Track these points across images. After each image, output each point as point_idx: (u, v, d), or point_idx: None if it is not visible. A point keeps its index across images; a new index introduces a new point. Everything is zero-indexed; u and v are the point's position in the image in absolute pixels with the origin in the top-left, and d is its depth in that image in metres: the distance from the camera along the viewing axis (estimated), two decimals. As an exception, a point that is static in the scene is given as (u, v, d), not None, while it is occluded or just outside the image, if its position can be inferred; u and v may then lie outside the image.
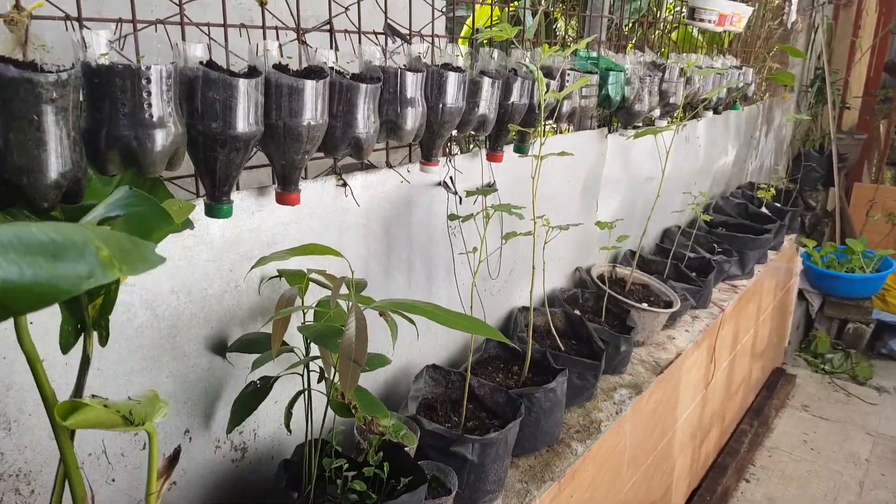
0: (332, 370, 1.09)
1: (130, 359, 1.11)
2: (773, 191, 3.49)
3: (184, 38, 1.06)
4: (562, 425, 1.77)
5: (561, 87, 1.74)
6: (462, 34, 2.56)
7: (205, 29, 1.09)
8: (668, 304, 2.33)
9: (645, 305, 2.25)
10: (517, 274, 2.01)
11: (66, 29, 0.94)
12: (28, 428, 1.01)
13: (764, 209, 3.60)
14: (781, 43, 3.85)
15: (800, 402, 3.80)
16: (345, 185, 1.37)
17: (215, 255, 1.18)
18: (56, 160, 0.83)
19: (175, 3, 1.07)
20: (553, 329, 1.96)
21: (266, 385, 1.21)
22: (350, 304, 1.00)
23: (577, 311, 2.12)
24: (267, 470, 1.38)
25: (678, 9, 2.67)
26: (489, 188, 1.53)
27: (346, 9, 1.33)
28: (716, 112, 2.89)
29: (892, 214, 4.78)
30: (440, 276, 1.70)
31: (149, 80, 0.89)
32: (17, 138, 0.80)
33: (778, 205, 3.78)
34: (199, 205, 1.11)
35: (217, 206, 1.07)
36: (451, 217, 1.54)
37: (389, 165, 1.47)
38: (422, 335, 1.67)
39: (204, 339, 1.21)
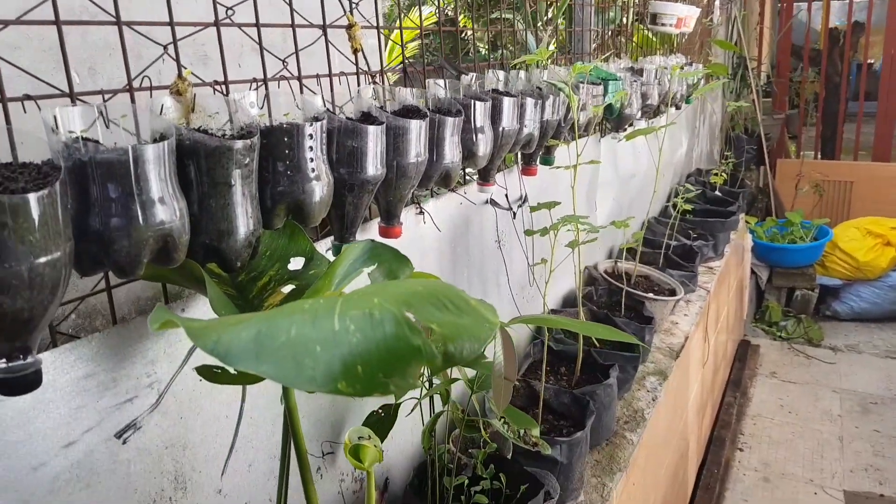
0: (471, 389, 1.15)
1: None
2: (724, 175, 3.74)
3: (301, 91, 1.11)
4: (615, 418, 1.88)
5: (581, 101, 1.86)
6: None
7: (312, 81, 1.13)
8: (672, 292, 2.48)
9: (652, 295, 2.39)
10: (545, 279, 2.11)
11: (214, 93, 0.97)
12: (199, 485, 1.02)
13: (718, 192, 3.86)
14: (705, 38, 4.13)
15: (768, 369, 4.07)
16: (422, 212, 1.43)
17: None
18: (247, 220, 0.87)
19: (280, 60, 1.11)
20: (587, 327, 2.07)
21: (390, 413, 1.26)
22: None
23: (595, 308, 2.24)
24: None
25: (639, 17, 2.85)
26: (553, 202, 1.63)
27: (403, 47, 1.40)
28: (677, 107, 3.09)
29: (818, 186, 5.18)
30: (491, 289, 1.78)
31: (311, 136, 0.94)
32: (217, 203, 0.84)
33: (727, 187, 4.05)
34: (324, 245, 1.15)
35: (362, 241, 1.12)
36: (528, 232, 1.63)
37: (453, 189, 1.54)
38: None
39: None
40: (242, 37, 1.06)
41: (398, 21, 1.53)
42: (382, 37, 1.54)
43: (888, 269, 4.48)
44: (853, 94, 6.67)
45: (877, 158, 5.38)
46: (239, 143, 0.83)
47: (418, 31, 1.55)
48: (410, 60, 1.72)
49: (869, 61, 7.39)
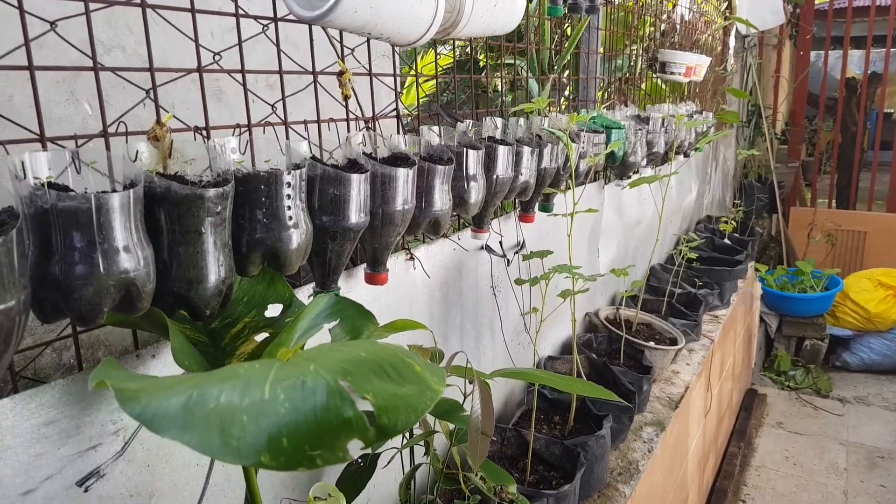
0: (449, 442, 1.13)
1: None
2: (733, 223, 3.70)
3: (287, 137, 1.11)
4: (608, 469, 1.84)
5: (581, 149, 1.85)
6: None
7: (300, 127, 1.13)
8: (674, 341, 2.44)
9: (652, 344, 2.36)
10: (542, 325, 2.09)
11: (195, 139, 0.97)
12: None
13: (727, 240, 3.83)
14: (719, 85, 4.13)
15: (774, 419, 3.98)
16: (412, 258, 1.42)
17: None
18: (217, 269, 0.86)
19: (268, 104, 1.12)
20: (583, 376, 2.04)
21: (370, 463, 1.23)
22: (474, 379, 1.05)
23: (594, 355, 2.21)
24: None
25: (647, 65, 2.85)
26: (546, 251, 1.61)
27: (399, 93, 1.41)
28: (686, 155, 3.08)
29: (830, 235, 5.12)
30: (485, 335, 1.75)
31: (289, 184, 0.93)
32: (187, 251, 0.83)
33: (737, 235, 4.01)
34: (304, 292, 1.14)
35: (327, 294, 1.11)
36: (518, 281, 1.61)
37: (445, 235, 1.53)
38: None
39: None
40: (255, 76, 1.07)
41: (412, 65, 1.55)
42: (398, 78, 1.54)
43: (900, 321, 4.40)
44: (871, 142, 6.64)
45: (891, 209, 5.32)
46: (211, 192, 0.82)
47: (431, 75, 1.56)
48: (429, 98, 1.73)
49: (888, 110, 7.36)
